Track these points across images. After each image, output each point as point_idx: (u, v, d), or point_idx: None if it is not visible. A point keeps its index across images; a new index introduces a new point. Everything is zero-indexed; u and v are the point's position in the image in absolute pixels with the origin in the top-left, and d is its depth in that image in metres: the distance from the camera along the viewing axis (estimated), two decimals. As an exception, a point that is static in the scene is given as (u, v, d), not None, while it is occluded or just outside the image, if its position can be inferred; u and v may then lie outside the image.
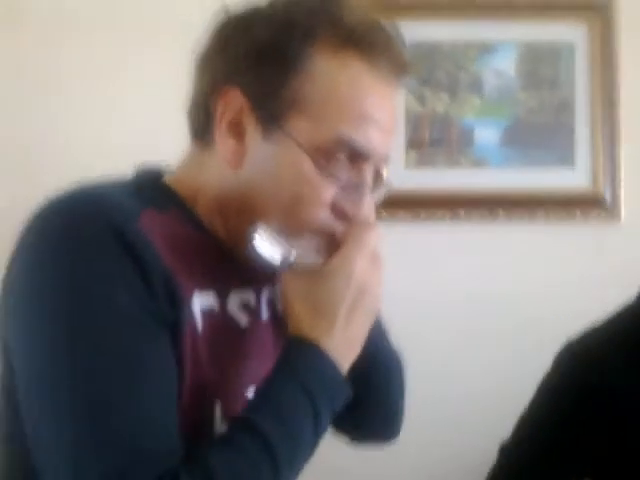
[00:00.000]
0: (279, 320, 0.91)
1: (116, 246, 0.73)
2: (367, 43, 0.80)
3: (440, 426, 1.93)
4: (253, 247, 0.79)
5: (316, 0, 0.82)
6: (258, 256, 0.79)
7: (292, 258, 0.78)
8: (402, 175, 1.94)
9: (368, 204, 0.84)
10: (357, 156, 0.81)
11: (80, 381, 0.70)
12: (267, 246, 0.78)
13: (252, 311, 0.89)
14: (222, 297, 0.84)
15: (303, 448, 0.77)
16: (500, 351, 1.92)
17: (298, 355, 0.79)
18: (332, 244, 0.82)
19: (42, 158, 1.93)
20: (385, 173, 0.88)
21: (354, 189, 0.82)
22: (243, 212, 0.82)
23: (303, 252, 0.80)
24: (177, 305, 0.76)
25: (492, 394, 1.88)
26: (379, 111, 0.81)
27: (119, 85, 1.93)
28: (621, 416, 1.11)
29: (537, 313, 1.91)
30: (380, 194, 0.88)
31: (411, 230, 1.95)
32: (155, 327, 0.74)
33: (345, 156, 0.80)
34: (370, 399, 0.98)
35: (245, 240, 0.81)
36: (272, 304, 0.92)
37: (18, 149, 1.94)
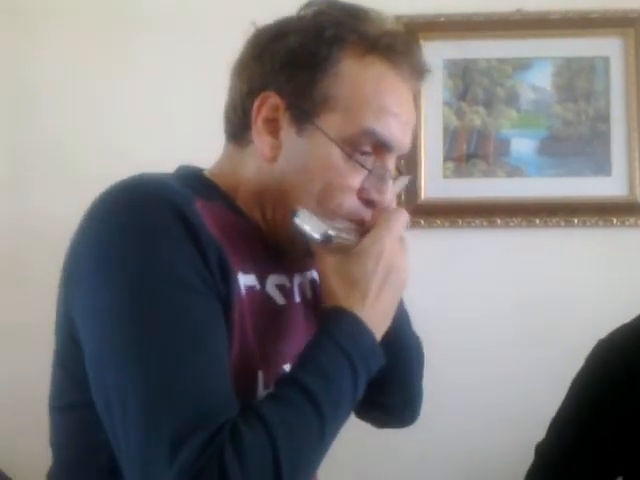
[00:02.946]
0: (309, 303, 1.01)
1: (177, 223, 0.80)
2: (389, 49, 0.89)
3: (490, 427, 1.98)
4: (295, 225, 0.87)
5: (342, 12, 0.91)
6: (300, 233, 0.87)
7: (330, 234, 0.86)
8: (440, 185, 2.02)
9: (391, 191, 0.92)
10: (380, 147, 0.89)
11: (146, 341, 0.76)
12: (307, 224, 0.86)
13: (287, 292, 0.97)
14: (261, 279, 0.93)
15: (344, 404, 0.82)
16: (533, 355, 1.96)
17: (335, 321, 0.85)
18: (361, 227, 0.90)
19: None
20: (403, 166, 0.96)
21: (378, 177, 0.90)
22: (279, 201, 0.90)
23: (338, 232, 0.88)
24: (228, 279, 0.84)
25: (535, 397, 1.88)
26: (400, 107, 0.90)
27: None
28: None
29: (572, 316, 1.95)
30: (401, 183, 0.96)
31: (449, 236, 2.02)
32: (211, 295, 0.82)
33: (370, 147, 0.89)
34: (393, 377, 1.04)
35: (283, 227, 0.89)
36: (302, 289, 1.01)
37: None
